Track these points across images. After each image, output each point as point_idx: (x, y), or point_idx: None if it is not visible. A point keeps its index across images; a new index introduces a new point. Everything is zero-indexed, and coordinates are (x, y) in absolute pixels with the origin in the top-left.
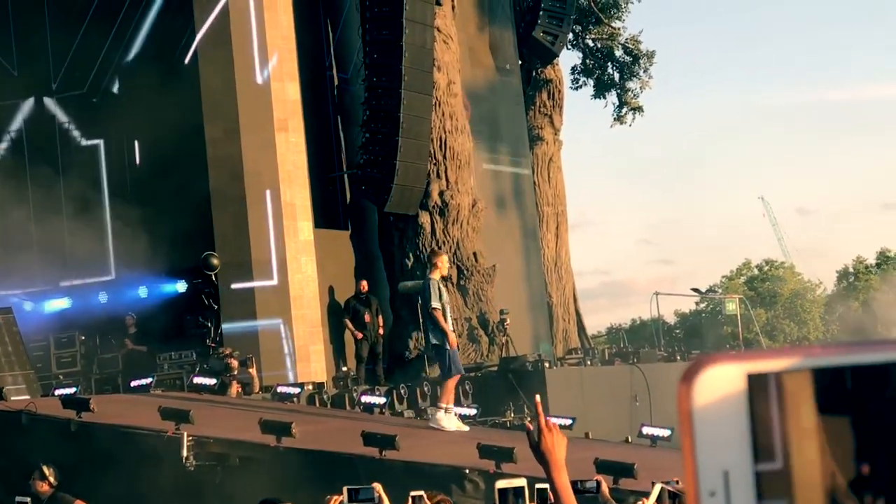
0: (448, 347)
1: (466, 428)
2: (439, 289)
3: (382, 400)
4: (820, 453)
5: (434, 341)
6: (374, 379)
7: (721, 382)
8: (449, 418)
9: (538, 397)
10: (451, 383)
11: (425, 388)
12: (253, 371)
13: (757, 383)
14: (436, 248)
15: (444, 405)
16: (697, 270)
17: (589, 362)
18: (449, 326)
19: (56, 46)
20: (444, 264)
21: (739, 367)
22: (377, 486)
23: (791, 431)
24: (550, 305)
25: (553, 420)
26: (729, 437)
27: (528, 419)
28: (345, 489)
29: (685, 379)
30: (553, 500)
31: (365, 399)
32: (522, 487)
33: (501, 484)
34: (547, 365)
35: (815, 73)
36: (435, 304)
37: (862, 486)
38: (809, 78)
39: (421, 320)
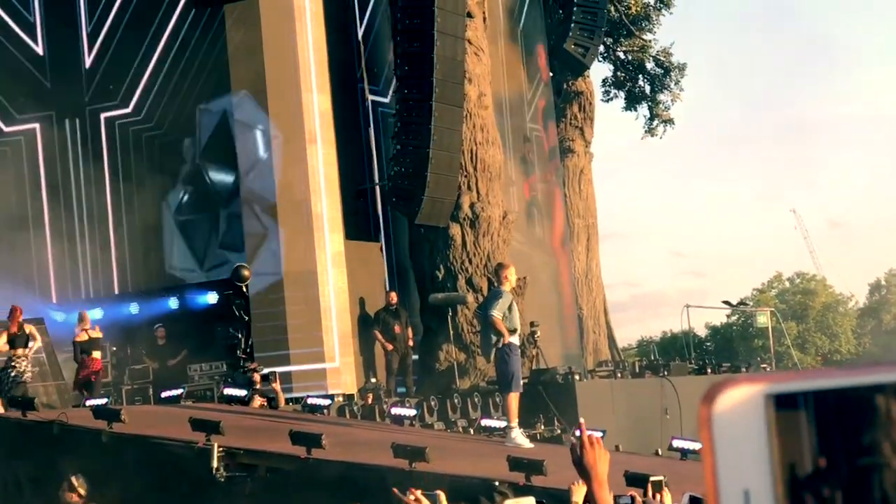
0: (509, 364)
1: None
2: (511, 302)
3: (413, 412)
4: (831, 474)
5: (497, 351)
6: (405, 391)
7: (740, 403)
8: (521, 435)
9: (582, 419)
10: (513, 401)
11: (455, 401)
12: (276, 385)
13: (776, 404)
14: (503, 262)
15: (513, 424)
16: (729, 283)
17: (619, 375)
18: (506, 332)
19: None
20: (512, 276)
21: (758, 388)
22: (440, 494)
23: (807, 451)
24: (581, 318)
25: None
26: (749, 456)
27: (571, 433)
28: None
29: (706, 400)
30: None
31: (395, 411)
32: None
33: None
34: (577, 377)
35: (844, 84)
36: (497, 312)
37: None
38: (838, 90)
39: (481, 330)
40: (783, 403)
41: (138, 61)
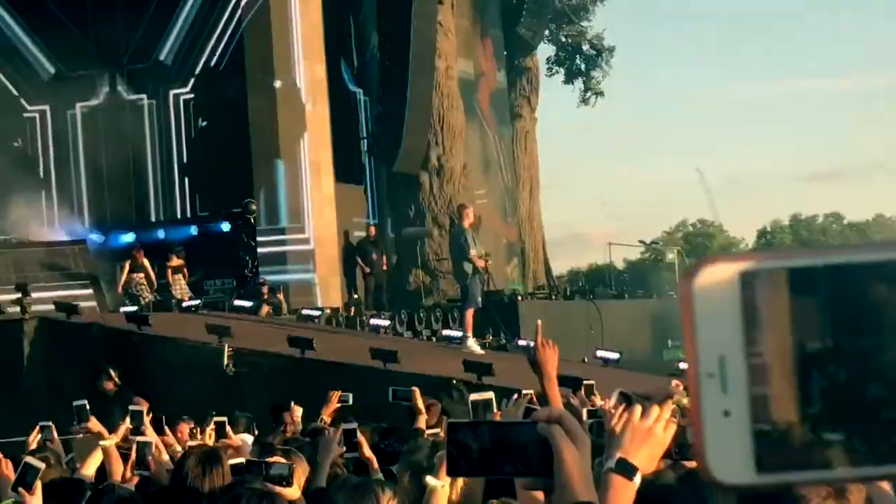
0: (472, 285)
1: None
2: (472, 236)
3: (387, 323)
4: (794, 343)
5: (465, 282)
6: (380, 306)
7: (718, 279)
8: (474, 343)
9: (539, 322)
10: (469, 315)
11: (422, 315)
12: (281, 297)
13: (748, 280)
14: (464, 203)
15: (468, 334)
16: (644, 226)
17: (554, 297)
18: (483, 262)
19: (128, 21)
20: (472, 214)
21: (734, 265)
22: (416, 390)
23: (774, 323)
24: (524, 251)
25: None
26: (723, 326)
27: (514, 342)
28: (390, 389)
29: (688, 275)
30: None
31: (373, 322)
32: (491, 400)
33: (474, 397)
34: (520, 299)
35: (758, 66)
36: (472, 252)
37: (823, 363)
38: (749, 71)
39: (453, 264)
40: (759, 280)
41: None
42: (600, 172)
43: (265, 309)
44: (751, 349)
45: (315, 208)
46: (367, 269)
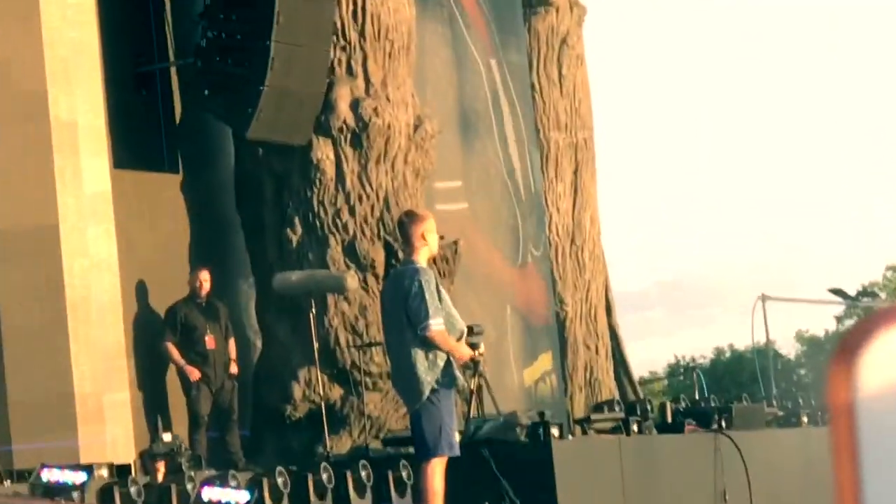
0: (439, 412)
1: None
2: (437, 285)
3: (244, 497)
4: None
5: (423, 389)
6: (226, 457)
7: None
8: None
9: None
10: (435, 474)
11: (323, 476)
12: None
13: None
14: (414, 210)
15: None
16: (837, 260)
17: (635, 428)
18: (462, 351)
19: None
20: (431, 234)
21: None
22: None
23: None
24: (563, 319)
25: None
26: None
27: None
28: None
29: (842, 353)
30: None
31: (208, 495)
32: None
33: None
34: (556, 433)
35: None
36: (435, 321)
37: None
38: None
39: (391, 355)
40: None
41: None
42: (731, 136)
43: None
44: None
45: (69, 230)
46: (193, 371)
